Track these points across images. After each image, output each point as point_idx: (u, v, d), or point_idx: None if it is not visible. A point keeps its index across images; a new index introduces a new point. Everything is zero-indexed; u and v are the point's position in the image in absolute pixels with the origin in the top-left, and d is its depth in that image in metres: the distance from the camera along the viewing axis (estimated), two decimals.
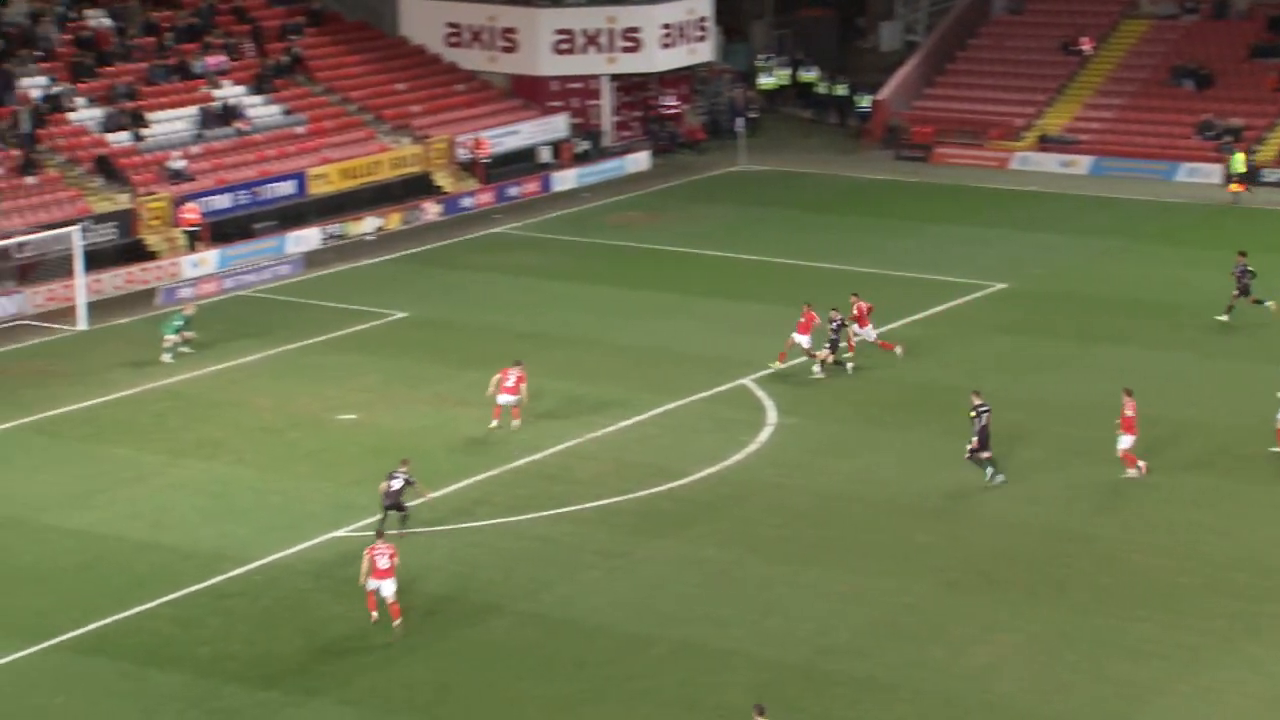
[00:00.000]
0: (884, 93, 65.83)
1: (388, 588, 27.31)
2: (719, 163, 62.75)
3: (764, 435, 36.13)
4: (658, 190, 59.03)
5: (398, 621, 27.22)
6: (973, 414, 32.76)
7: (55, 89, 50.99)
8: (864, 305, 40.04)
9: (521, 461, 34.46)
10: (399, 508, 30.80)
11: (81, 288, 43.66)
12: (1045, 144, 62.36)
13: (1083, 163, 60.91)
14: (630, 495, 32.99)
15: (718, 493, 33.27)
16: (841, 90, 68.54)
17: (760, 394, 38.57)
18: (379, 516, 30.54)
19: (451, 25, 62.30)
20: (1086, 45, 65.72)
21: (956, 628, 27.51)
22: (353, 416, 36.85)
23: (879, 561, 29.99)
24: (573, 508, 32.36)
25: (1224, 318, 42.45)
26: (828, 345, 39.07)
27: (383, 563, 27.39)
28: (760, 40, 73.13)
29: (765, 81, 69.88)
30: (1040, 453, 34.54)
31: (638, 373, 39.70)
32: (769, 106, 69.66)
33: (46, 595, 28.54)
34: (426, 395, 37.89)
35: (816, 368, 39.26)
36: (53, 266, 45.13)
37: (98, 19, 54.78)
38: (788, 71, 70.98)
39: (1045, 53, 66.17)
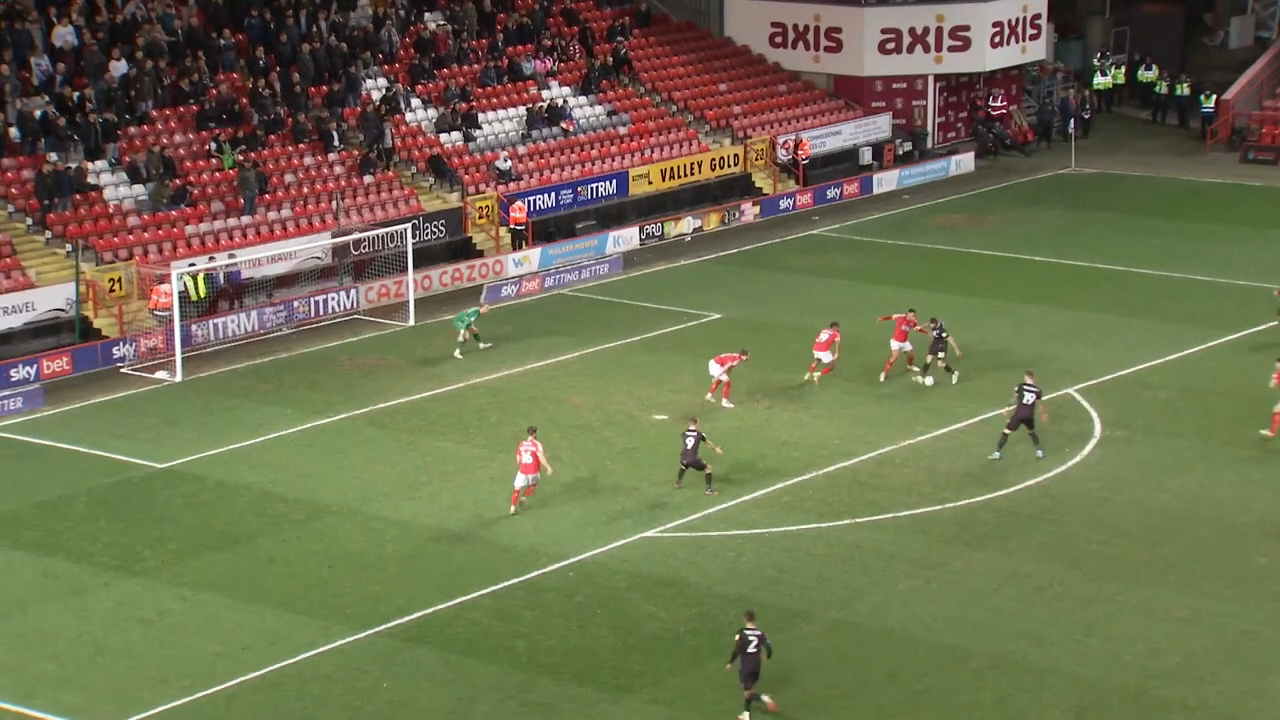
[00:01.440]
0: (1231, 92, 63.38)
1: (520, 480, 31.79)
2: (1048, 165, 61.45)
3: (1089, 447, 35.27)
4: (983, 192, 58.15)
5: (525, 499, 31.86)
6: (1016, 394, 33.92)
7: (392, 91, 53.12)
8: (912, 319, 38.87)
9: (834, 467, 34.42)
10: (698, 465, 32.27)
11: (411, 284, 45.45)
12: None
13: None
14: (947, 505, 32.62)
15: (1039, 505, 32.62)
16: (1183, 89, 66.32)
17: (1086, 404, 37.64)
18: (679, 472, 32.80)
19: (776, 25, 62.57)
20: None
21: None
22: (666, 417, 37.40)
23: (1214, 584, 28.98)
24: (887, 515, 32.18)
25: None
26: (932, 355, 38.40)
27: (526, 458, 31.55)
28: (1097, 37, 71.25)
29: (1101, 81, 68.09)
30: None
31: (957, 380, 39.18)
32: (1104, 107, 67.88)
33: (374, 582, 29.80)
34: (739, 397, 38.17)
35: (923, 378, 38.57)
36: (385, 263, 47.10)
37: (436, 21, 56.83)
38: (1124, 70, 69.04)
39: None
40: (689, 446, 32.72)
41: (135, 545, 31.37)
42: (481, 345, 41.95)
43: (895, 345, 38.87)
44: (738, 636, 25.01)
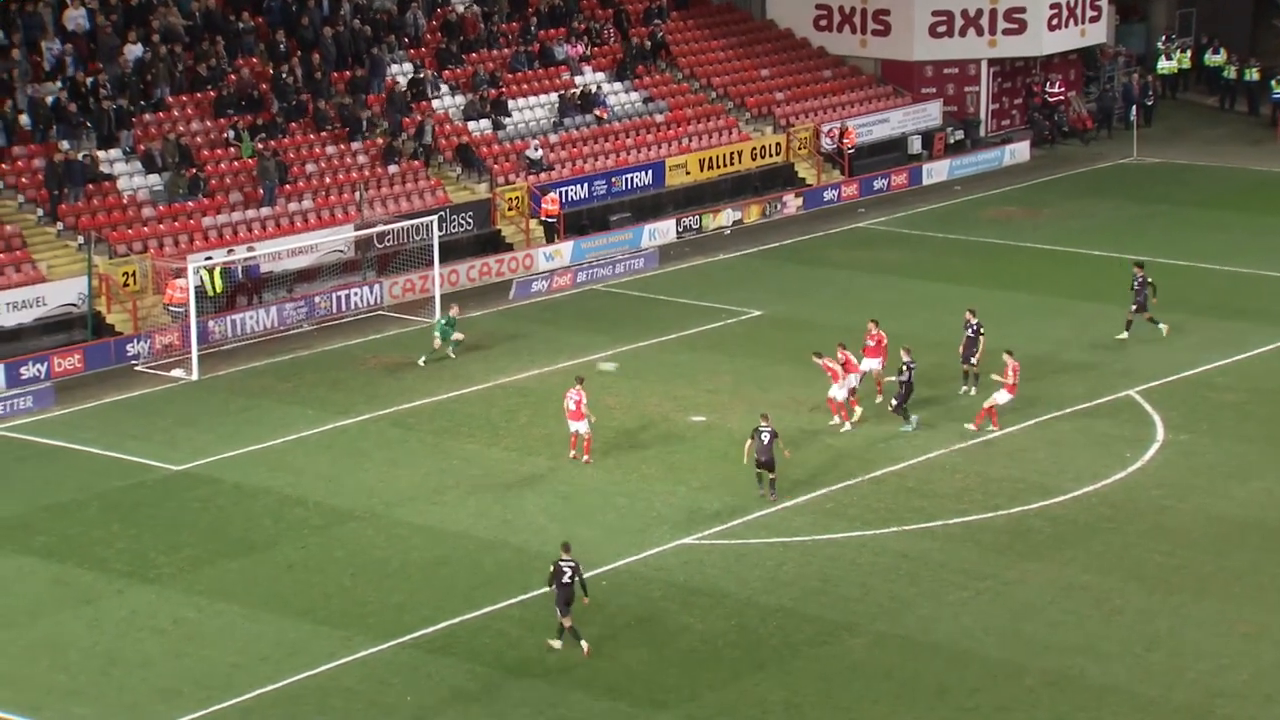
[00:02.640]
0: None
1: (583, 426, 34.14)
2: (1108, 154, 61.20)
3: (1151, 452, 35.11)
4: (1039, 183, 57.96)
5: (587, 457, 34.03)
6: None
7: (419, 76, 53.20)
8: (880, 336, 37.64)
9: (880, 472, 34.36)
10: (770, 466, 32.38)
11: (437, 279, 45.56)
12: None
13: None
14: (999, 512, 32.53)
15: (1097, 513, 32.50)
16: (1252, 74, 65.94)
17: (1148, 407, 37.48)
18: (756, 473, 32.87)
19: (821, 7, 62.49)
20: None
21: None
22: (703, 418, 37.38)
23: None
24: (936, 523, 32.11)
25: (1123, 335, 41.28)
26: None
27: (569, 405, 34.05)
28: (1161, 20, 70.88)
29: (1165, 65, 67.75)
30: None
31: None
32: (1168, 93, 67.53)
33: (398, 591, 29.90)
34: (781, 398, 38.13)
35: (970, 387, 37.93)
36: (410, 257, 47.23)
37: (465, 3, 56.87)
38: (1190, 54, 68.68)
39: None
40: (765, 443, 32.51)
41: (149, 551, 31.55)
42: (451, 354, 41.23)
43: (868, 364, 37.56)
44: (553, 567, 27.33)
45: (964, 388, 38.40)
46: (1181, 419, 36.77)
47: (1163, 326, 41.32)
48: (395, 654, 27.68)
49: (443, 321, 41.57)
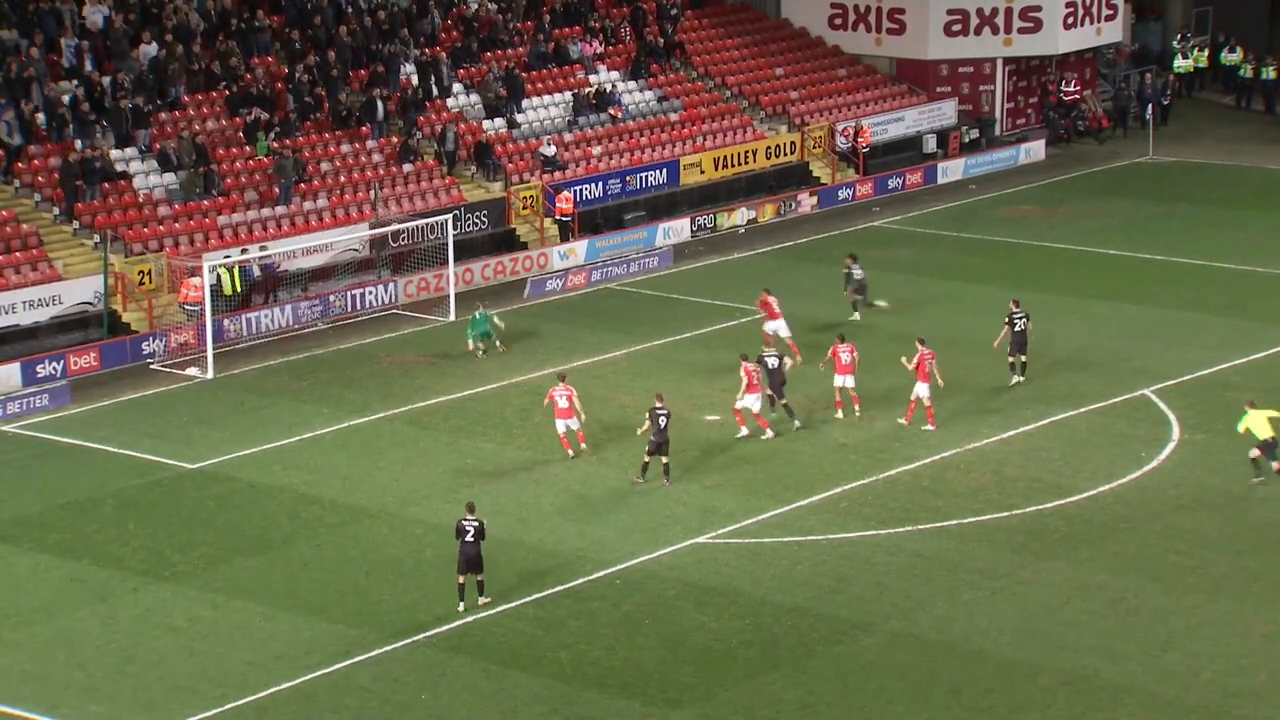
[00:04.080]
0: None
1: (574, 423, 34.51)
2: (1124, 153, 61.12)
3: (1166, 452, 35.06)
4: (1054, 182, 57.89)
5: (584, 446, 34.69)
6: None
7: (429, 62, 53.12)
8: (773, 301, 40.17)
9: (895, 471, 34.35)
10: (664, 450, 33.67)
11: (452, 278, 45.62)
12: None
13: None
14: (1014, 512, 32.51)
15: (1112, 513, 32.46)
16: (1269, 73, 65.80)
17: (1164, 407, 37.43)
18: (644, 461, 33.84)
19: (836, 6, 62.46)
20: None
21: None
22: (717, 417, 37.39)
23: None
24: (951, 522, 32.10)
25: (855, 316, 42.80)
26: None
27: (562, 402, 34.33)
28: (1177, 18, 70.74)
29: (1181, 64, 67.62)
30: None
31: (1023, 381, 39.00)
32: (1184, 91, 67.40)
33: (413, 589, 29.95)
34: (796, 397, 38.12)
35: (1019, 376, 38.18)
36: (424, 256, 47.29)
37: (480, 1, 56.87)
38: (1207, 53, 68.54)
39: None
40: (661, 426, 33.52)
41: (165, 549, 31.64)
42: (500, 346, 41.80)
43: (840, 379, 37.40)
44: (456, 526, 28.89)
45: (1014, 379, 38.39)
46: (1197, 418, 36.71)
47: (881, 303, 43.40)
48: (410, 652, 27.74)
49: (478, 317, 41.68)
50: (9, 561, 31.35)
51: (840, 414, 36.92)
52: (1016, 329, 38.54)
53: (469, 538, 28.79)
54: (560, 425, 34.87)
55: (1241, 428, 33.37)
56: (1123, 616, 28.46)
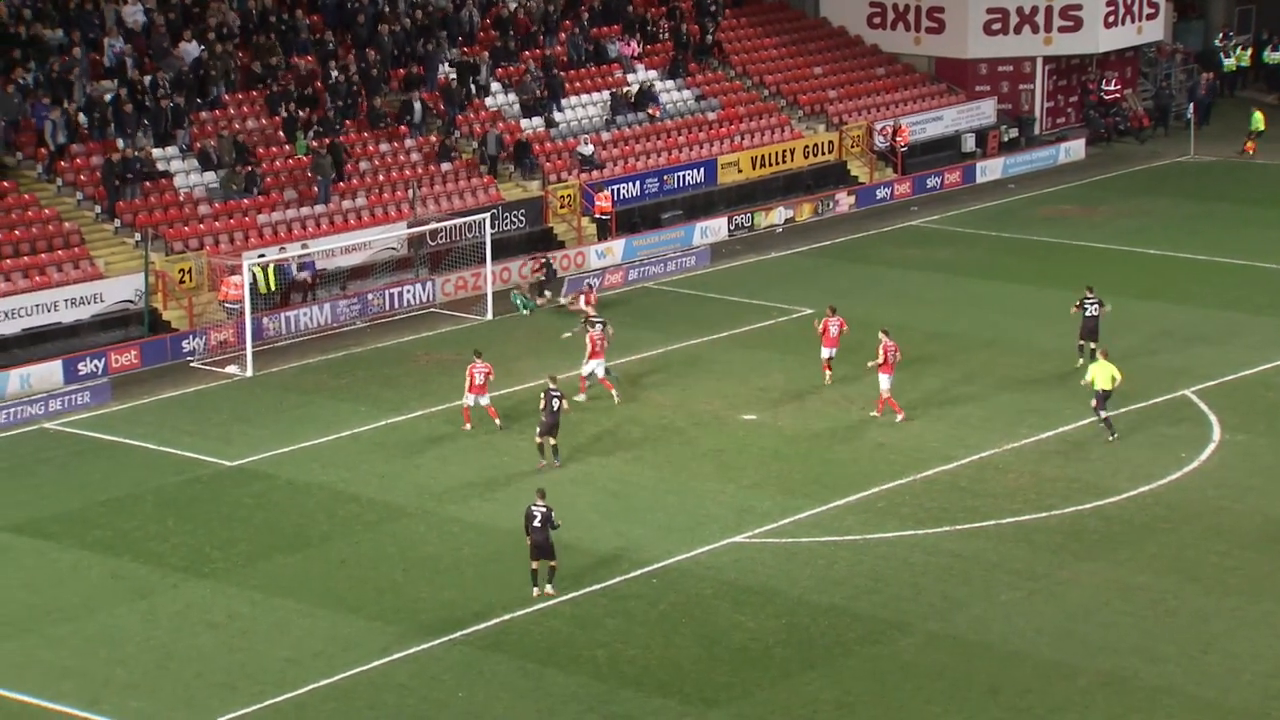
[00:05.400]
0: None
1: (485, 399, 35.87)
2: (1165, 152, 60.79)
3: (1207, 452, 34.89)
4: (1094, 181, 57.63)
5: (497, 422, 35.80)
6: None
7: (468, 63, 53.17)
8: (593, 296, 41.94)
9: (932, 471, 34.27)
10: (554, 432, 34.29)
11: (489, 276, 45.70)
12: None
13: None
14: (1053, 512, 32.39)
15: (1152, 514, 32.32)
16: None
17: (1204, 407, 37.23)
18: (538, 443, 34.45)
19: (875, 5, 62.31)
20: None
21: None
22: (754, 416, 37.37)
23: None
24: (989, 523, 32.00)
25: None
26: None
27: (479, 379, 35.70)
28: (1219, 17, 70.30)
29: (1224, 63, 67.19)
30: None
31: (1060, 380, 38.86)
32: (1227, 90, 66.99)
33: (450, 587, 30.02)
34: (833, 396, 38.09)
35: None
36: (462, 254, 47.38)
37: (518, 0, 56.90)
38: (1250, 51, 68.09)
39: None
40: (554, 409, 34.22)
41: (204, 546, 31.80)
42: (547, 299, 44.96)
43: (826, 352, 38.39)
44: (526, 511, 29.18)
45: (1080, 361, 38.44)
46: (1238, 419, 36.51)
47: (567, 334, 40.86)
48: (447, 650, 27.81)
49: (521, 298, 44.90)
50: (50, 558, 31.57)
51: (828, 378, 37.97)
52: (1088, 314, 38.45)
53: (535, 523, 28.98)
54: (469, 399, 36.33)
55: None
56: (1162, 618, 28.33)
